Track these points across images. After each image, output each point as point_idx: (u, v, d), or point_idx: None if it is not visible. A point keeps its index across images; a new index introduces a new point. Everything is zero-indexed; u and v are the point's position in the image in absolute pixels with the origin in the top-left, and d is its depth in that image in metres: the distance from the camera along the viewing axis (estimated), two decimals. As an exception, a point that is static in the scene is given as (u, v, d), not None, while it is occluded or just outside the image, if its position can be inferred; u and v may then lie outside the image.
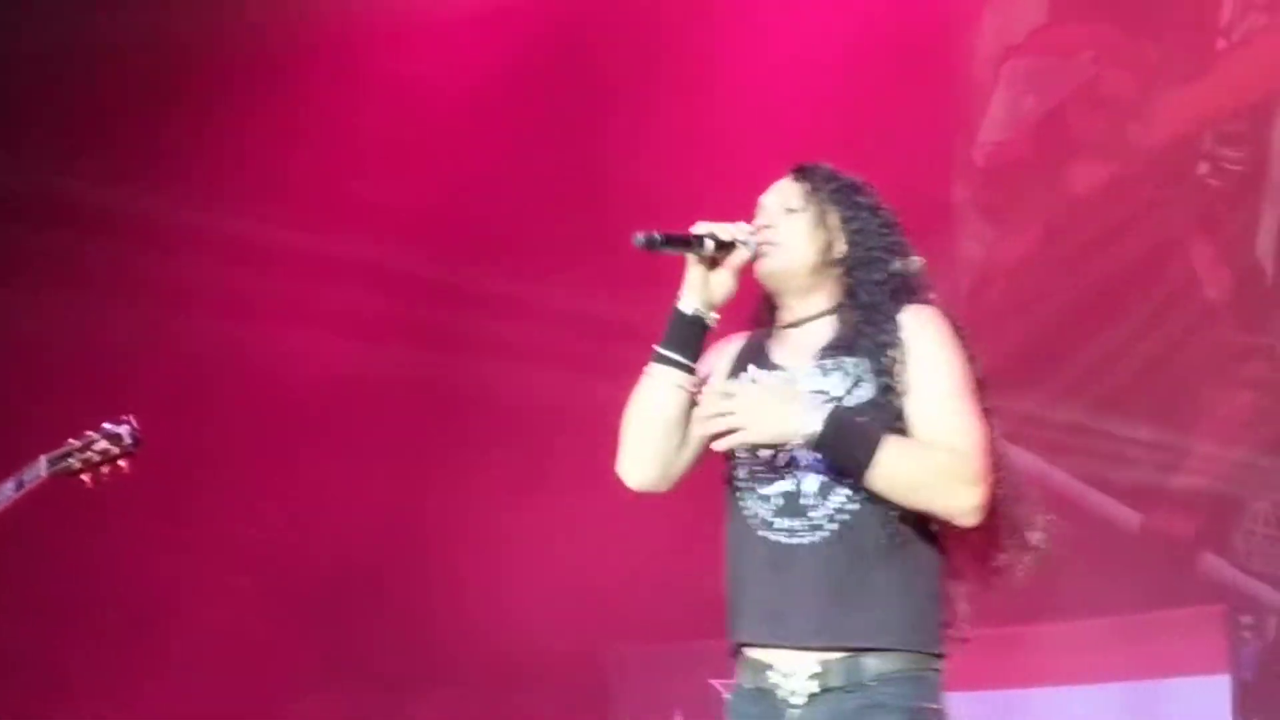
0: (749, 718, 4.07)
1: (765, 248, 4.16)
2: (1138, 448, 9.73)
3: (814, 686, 3.99)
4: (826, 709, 3.98)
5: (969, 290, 10.16)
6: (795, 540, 3.99)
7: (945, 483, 3.97)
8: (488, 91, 9.75)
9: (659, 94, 9.60)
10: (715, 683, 4.17)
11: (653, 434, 4.14)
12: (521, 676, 8.94)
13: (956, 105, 10.38)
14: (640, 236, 4.08)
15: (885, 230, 4.26)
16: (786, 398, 3.94)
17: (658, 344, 4.17)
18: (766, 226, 4.18)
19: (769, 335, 4.24)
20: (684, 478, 4.22)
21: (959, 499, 3.99)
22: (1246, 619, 9.13)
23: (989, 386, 4.22)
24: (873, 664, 3.98)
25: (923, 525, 4.06)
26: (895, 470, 3.91)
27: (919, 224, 10.32)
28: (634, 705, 9.03)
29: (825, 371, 4.06)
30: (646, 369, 4.18)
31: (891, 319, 4.09)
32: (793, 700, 4.00)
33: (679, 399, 4.12)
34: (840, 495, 3.99)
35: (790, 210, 4.20)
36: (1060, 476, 9.80)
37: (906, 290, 4.19)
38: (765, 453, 4.04)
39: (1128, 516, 9.70)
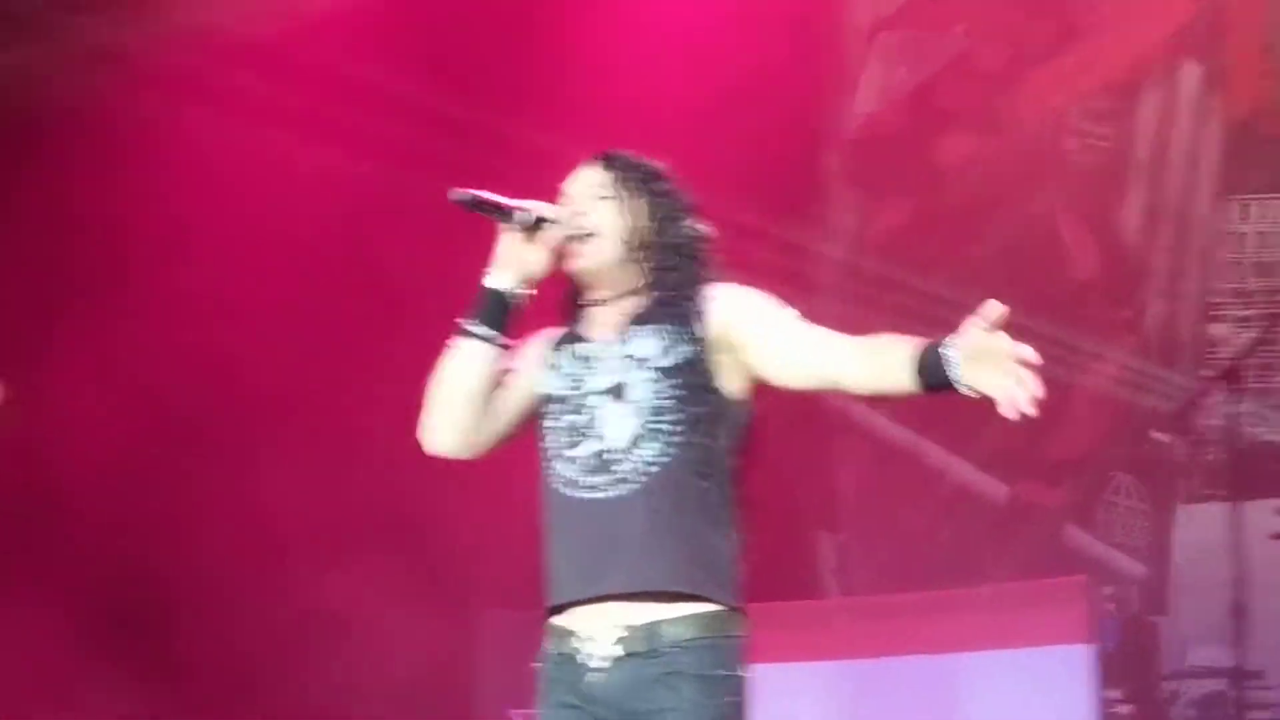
0: (555, 683, 4.10)
1: (579, 235, 4.19)
2: (1007, 420, 9.81)
3: (617, 651, 4.01)
4: (626, 674, 4.00)
5: (842, 260, 10.21)
6: (602, 495, 4.03)
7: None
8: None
9: (529, 67, 9.53)
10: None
11: (453, 406, 4.18)
12: (389, 643, 8.89)
13: (828, 77, 10.41)
14: (459, 193, 4.08)
15: (686, 214, 4.28)
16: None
17: (462, 317, 4.18)
18: (581, 214, 4.21)
19: (578, 317, 4.28)
20: (491, 449, 4.25)
21: None
22: (1108, 590, 9.25)
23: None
24: (672, 631, 4.00)
25: (728, 478, 4.12)
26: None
27: (792, 194, 10.45)
28: (500, 671, 9.00)
29: (634, 337, 4.12)
30: (452, 341, 4.18)
31: (699, 295, 4.16)
32: (593, 665, 4.02)
33: (482, 374, 4.16)
34: (649, 448, 4.03)
35: (601, 197, 4.23)
36: (930, 448, 9.89)
37: (709, 272, 4.24)
38: (575, 417, 4.09)
39: (995, 488, 9.79)
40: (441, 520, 8.92)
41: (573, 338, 4.23)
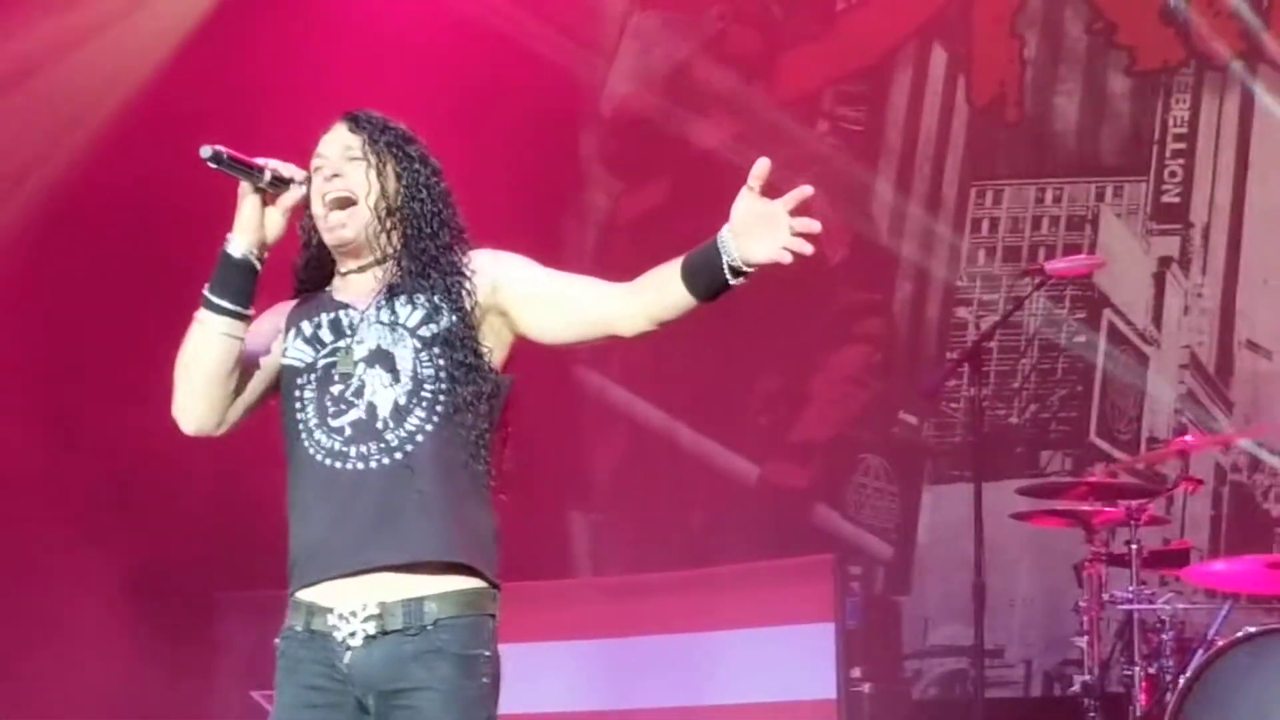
0: (303, 661, 3.98)
1: (337, 207, 4.06)
2: (759, 402, 9.90)
3: (371, 628, 3.91)
4: (386, 652, 3.90)
5: (595, 241, 10.23)
6: (368, 465, 3.93)
7: None
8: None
9: (277, 62, 9.36)
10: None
11: (202, 382, 4.03)
12: (127, 622, 8.74)
13: (584, 58, 10.39)
14: (207, 150, 3.93)
15: (437, 178, 4.17)
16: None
17: (206, 288, 4.01)
18: (335, 175, 4.08)
19: (325, 283, 4.15)
20: (241, 422, 4.12)
21: None
22: (855, 569, 9.37)
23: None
24: (433, 608, 3.92)
25: (489, 453, 4.04)
26: None
27: (546, 175, 10.40)
28: (241, 652, 8.90)
29: (394, 305, 4.02)
30: (196, 315, 4.02)
31: (456, 261, 4.07)
32: (352, 643, 3.92)
33: (227, 347, 4.01)
34: (416, 417, 3.95)
35: (353, 159, 4.09)
36: (683, 430, 9.94)
37: (463, 237, 4.14)
38: (336, 387, 3.97)
39: (746, 469, 9.87)
40: (171, 501, 8.79)
41: (323, 306, 4.08)
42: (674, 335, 9.80)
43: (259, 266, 4.03)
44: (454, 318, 4.00)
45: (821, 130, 9.93)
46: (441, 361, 3.97)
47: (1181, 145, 9.43)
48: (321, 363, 4.02)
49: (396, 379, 3.97)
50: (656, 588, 8.71)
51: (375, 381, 3.97)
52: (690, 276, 3.90)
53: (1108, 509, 7.33)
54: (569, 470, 9.99)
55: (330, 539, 3.95)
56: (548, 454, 9.31)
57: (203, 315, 4.01)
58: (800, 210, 3.81)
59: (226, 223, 4.05)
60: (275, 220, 4.06)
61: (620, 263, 10.50)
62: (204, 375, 4.03)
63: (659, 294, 3.95)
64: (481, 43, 9.56)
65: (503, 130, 9.25)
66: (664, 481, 9.93)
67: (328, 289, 4.14)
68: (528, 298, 4.05)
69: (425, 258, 4.05)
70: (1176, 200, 9.40)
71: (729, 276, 3.85)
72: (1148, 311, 9.33)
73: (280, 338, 4.11)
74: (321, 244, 4.14)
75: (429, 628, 3.91)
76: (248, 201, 4.04)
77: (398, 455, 3.93)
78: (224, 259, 4.02)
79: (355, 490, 3.93)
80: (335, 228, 4.07)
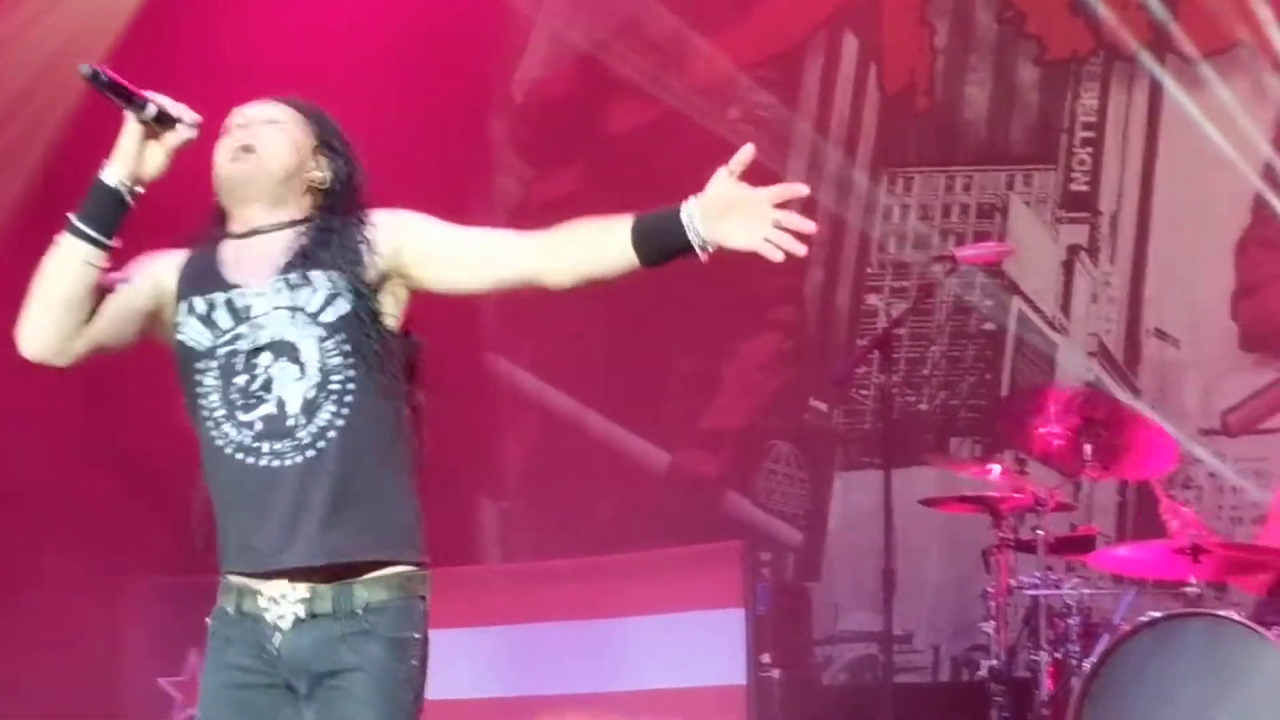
0: (233, 642, 3.96)
1: (240, 151, 4.00)
2: (670, 389, 9.91)
3: (301, 611, 3.89)
4: (316, 635, 3.89)
5: (505, 226, 10.17)
6: (280, 463, 3.88)
7: None
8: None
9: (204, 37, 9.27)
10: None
11: (53, 307, 3.93)
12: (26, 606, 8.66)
13: (496, 41, 10.35)
14: (86, 68, 3.86)
15: (354, 161, 4.14)
16: None
17: (73, 212, 3.93)
18: (242, 127, 4.03)
19: (215, 250, 4.05)
20: (87, 357, 4.01)
21: None
22: (765, 555, 9.39)
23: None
24: (362, 593, 3.90)
25: (405, 431, 4.01)
26: None
27: (455, 160, 10.34)
28: (147, 639, 8.83)
29: (292, 286, 3.94)
30: (58, 238, 3.93)
31: (357, 233, 3.99)
32: (281, 625, 3.90)
33: (85, 275, 3.91)
34: (327, 411, 3.89)
35: (272, 121, 4.06)
36: (593, 417, 9.93)
37: (368, 212, 4.06)
38: (241, 378, 3.90)
39: (657, 456, 9.87)
40: (81, 485, 8.72)
41: (215, 281, 3.99)
42: (586, 322, 9.81)
43: (129, 200, 3.95)
44: (356, 298, 3.93)
45: (733, 117, 9.93)
46: (347, 348, 3.91)
47: (1090, 134, 9.49)
48: (222, 350, 3.95)
49: (303, 371, 3.91)
50: (566, 574, 8.68)
51: (282, 374, 3.91)
52: (643, 242, 3.85)
53: (1015, 495, 7.37)
54: (479, 457, 9.96)
55: (251, 540, 3.93)
56: (457, 440, 9.26)
57: (64, 239, 3.93)
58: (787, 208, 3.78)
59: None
60: (155, 157, 3.97)
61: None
62: (54, 299, 3.93)
63: (597, 251, 3.91)
64: (390, 26, 9.49)
65: (411, 115, 9.20)
66: (574, 468, 9.92)
67: (218, 253, 4.03)
68: (435, 256, 4.00)
69: (332, 230, 3.99)
70: (1085, 189, 9.46)
71: (698, 253, 3.81)
72: (1056, 299, 9.39)
73: (163, 298, 4.02)
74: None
75: (358, 612, 3.90)
76: (128, 131, 3.96)
77: (310, 453, 3.88)
78: (95, 185, 3.96)
79: (269, 489, 3.89)
80: (233, 169, 4.01)
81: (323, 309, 3.93)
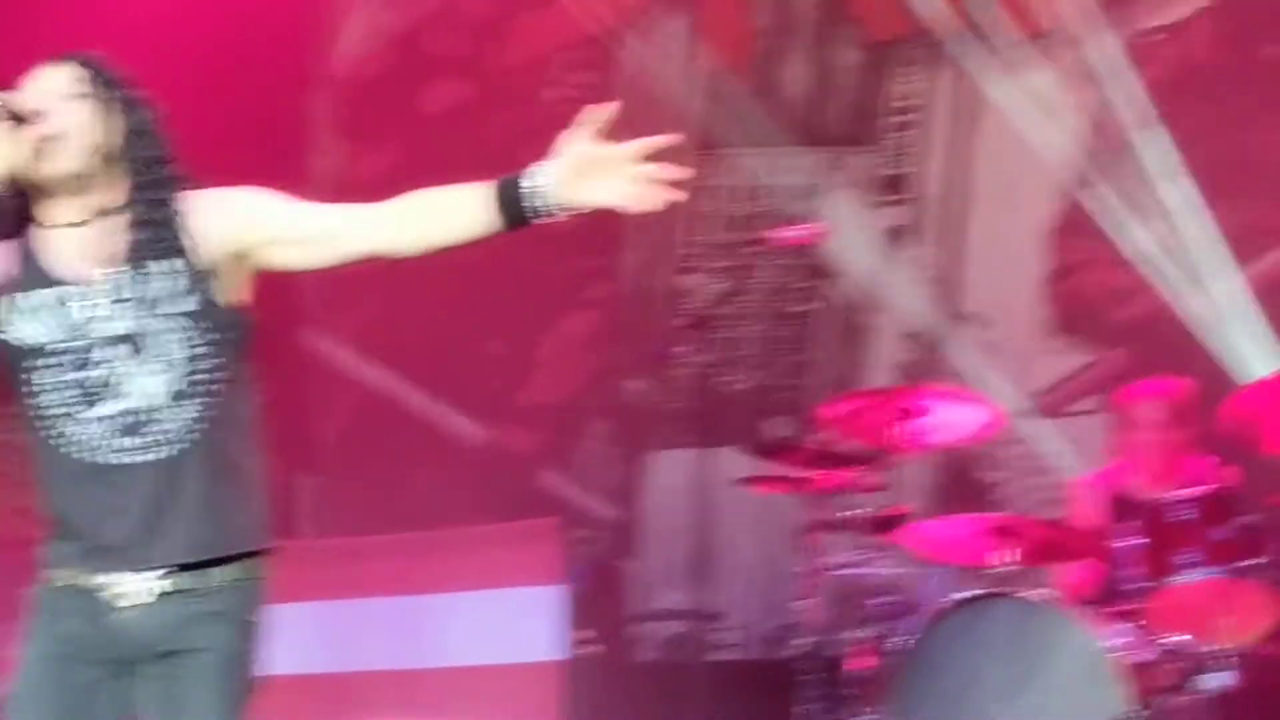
0: (61, 612, 3.84)
1: (46, 140, 3.76)
2: (487, 366, 9.88)
3: (151, 591, 3.82)
4: (163, 614, 3.82)
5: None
6: (135, 459, 3.78)
7: None
8: None
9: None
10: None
11: None
12: None
13: (314, 17, 10.25)
14: None
15: (159, 126, 3.91)
16: None
17: None
18: (38, 113, 3.77)
19: (29, 244, 3.85)
20: None
21: None
22: (580, 533, 9.40)
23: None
24: (218, 574, 3.85)
25: (259, 421, 3.98)
26: None
27: (272, 139, 10.23)
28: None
29: (135, 281, 3.78)
30: None
31: (185, 215, 3.82)
32: (124, 602, 3.82)
33: None
34: (188, 407, 3.79)
35: (73, 96, 3.82)
36: (411, 392, 9.89)
37: (186, 187, 3.91)
38: (83, 374, 3.76)
39: (473, 432, 9.84)
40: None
41: (37, 276, 3.81)
42: (405, 297, 9.76)
43: None
44: (203, 286, 3.81)
45: (552, 96, 9.91)
46: (205, 339, 3.81)
47: (908, 118, 9.57)
48: (59, 346, 3.79)
49: (158, 365, 3.79)
50: (381, 550, 8.67)
51: (133, 369, 3.78)
52: (503, 206, 3.83)
53: (828, 474, 7.42)
54: (293, 431, 9.88)
55: (97, 537, 3.82)
56: (272, 414, 9.20)
57: None
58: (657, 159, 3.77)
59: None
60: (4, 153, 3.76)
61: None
62: None
63: (453, 219, 3.87)
64: (204, 5, 9.37)
65: (225, 92, 9.08)
66: (390, 444, 9.87)
67: (32, 247, 3.85)
68: (280, 238, 3.90)
69: (158, 215, 3.82)
70: (903, 171, 9.54)
71: (545, 218, 3.81)
72: (873, 281, 9.46)
73: None
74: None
75: (213, 592, 3.85)
76: None
77: (162, 450, 3.80)
78: None
79: (120, 488, 3.79)
80: (38, 165, 3.78)
81: (171, 299, 3.80)
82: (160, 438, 3.79)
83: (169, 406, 3.79)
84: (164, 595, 3.83)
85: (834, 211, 9.53)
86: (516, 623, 8.15)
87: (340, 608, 8.53)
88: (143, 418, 3.79)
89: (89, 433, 3.79)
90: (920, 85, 9.57)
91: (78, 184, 3.83)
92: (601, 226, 9.85)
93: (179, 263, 3.81)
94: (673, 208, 3.75)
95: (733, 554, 8.97)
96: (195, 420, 3.81)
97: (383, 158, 10.11)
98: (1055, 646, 6.69)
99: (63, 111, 3.82)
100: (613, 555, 9.59)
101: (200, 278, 3.81)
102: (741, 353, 9.53)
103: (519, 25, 10.02)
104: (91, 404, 3.79)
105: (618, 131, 3.77)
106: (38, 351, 3.80)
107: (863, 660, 7.15)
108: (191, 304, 3.82)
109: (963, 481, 7.77)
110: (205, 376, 3.81)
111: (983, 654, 6.74)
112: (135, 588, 3.82)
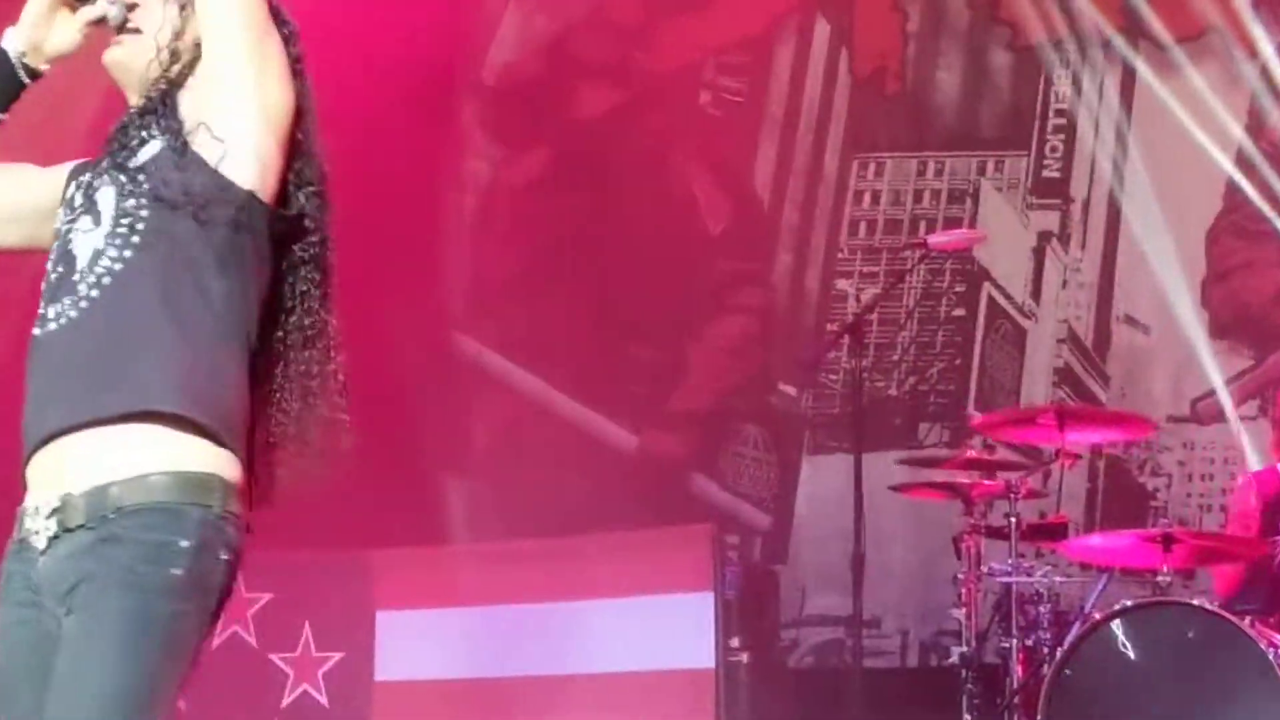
0: (12, 576, 3.39)
1: (127, 30, 3.54)
2: (638, 372, 9.88)
3: (53, 526, 3.33)
4: (65, 550, 3.32)
5: (475, 208, 10.15)
6: (55, 325, 3.40)
7: None
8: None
9: None
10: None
11: None
12: None
13: (467, 25, 10.30)
14: None
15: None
16: None
17: None
18: (134, 5, 3.53)
19: None
20: None
21: None
22: (732, 539, 9.37)
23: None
24: (115, 493, 3.31)
25: (221, 297, 3.45)
26: None
27: (425, 143, 10.28)
28: None
29: (114, 146, 3.50)
30: None
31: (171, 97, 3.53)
32: (39, 545, 3.34)
33: None
34: (108, 256, 3.40)
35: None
36: (561, 399, 9.90)
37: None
38: (54, 247, 3.47)
39: (625, 438, 9.85)
40: None
41: (90, 166, 3.56)
42: (554, 303, 9.76)
43: (22, 74, 3.58)
44: (170, 137, 3.49)
45: (704, 101, 9.90)
46: (146, 186, 3.45)
47: (1062, 120, 9.49)
48: (59, 226, 3.53)
49: (97, 221, 3.45)
50: (533, 555, 8.66)
51: (80, 231, 3.47)
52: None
53: (986, 481, 7.35)
54: (445, 436, 9.92)
55: (27, 414, 3.43)
56: (424, 419, 9.26)
57: None
58: None
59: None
60: (66, 31, 3.59)
61: (500, 232, 10.49)
62: None
63: None
64: (361, 12, 9.43)
65: (381, 98, 9.15)
66: (541, 449, 9.88)
67: None
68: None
69: (166, 98, 3.55)
70: (1057, 175, 9.46)
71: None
72: (1026, 285, 9.39)
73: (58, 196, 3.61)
74: None
75: (110, 516, 3.32)
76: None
77: (83, 305, 3.39)
78: None
79: (48, 354, 3.42)
80: (110, 50, 3.56)
81: (130, 154, 3.51)
82: (75, 298, 3.42)
83: (89, 265, 3.43)
84: (66, 531, 3.35)
85: (987, 216, 9.47)
86: (668, 629, 8.13)
87: (492, 613, 8.55)
88: (69, 280, 3.44)
89: (40, 308, 3.47)
90: (1074, 87, 9.48)
91: (134, 77, 3.58)
92: (754, 231, 9.86)
93: (154, 128, 3.53)
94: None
95: (888, 560, 8.92)
96: (105, 273, 3.41)
97: (534, 162, 10.15)
98: (1219, 655, 6.58)
99: (152, 9, 3.58)
100: (766, 560, 9.56)
101: (172, 130, 3.50)
102: (895, 358, 9.48)
103: (668, 30, 10.01)
104: (46, 277, 3.49)
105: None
106: (55, 234, 3.55)
107: (1023, 669, 7.08)
108: (150, 155, 3.49)
109: (1121, 488, 7.67)
110: (126, 229, 3.43)
111: (1145, 663, 6.64)
112: (40, 524, 3.38)
